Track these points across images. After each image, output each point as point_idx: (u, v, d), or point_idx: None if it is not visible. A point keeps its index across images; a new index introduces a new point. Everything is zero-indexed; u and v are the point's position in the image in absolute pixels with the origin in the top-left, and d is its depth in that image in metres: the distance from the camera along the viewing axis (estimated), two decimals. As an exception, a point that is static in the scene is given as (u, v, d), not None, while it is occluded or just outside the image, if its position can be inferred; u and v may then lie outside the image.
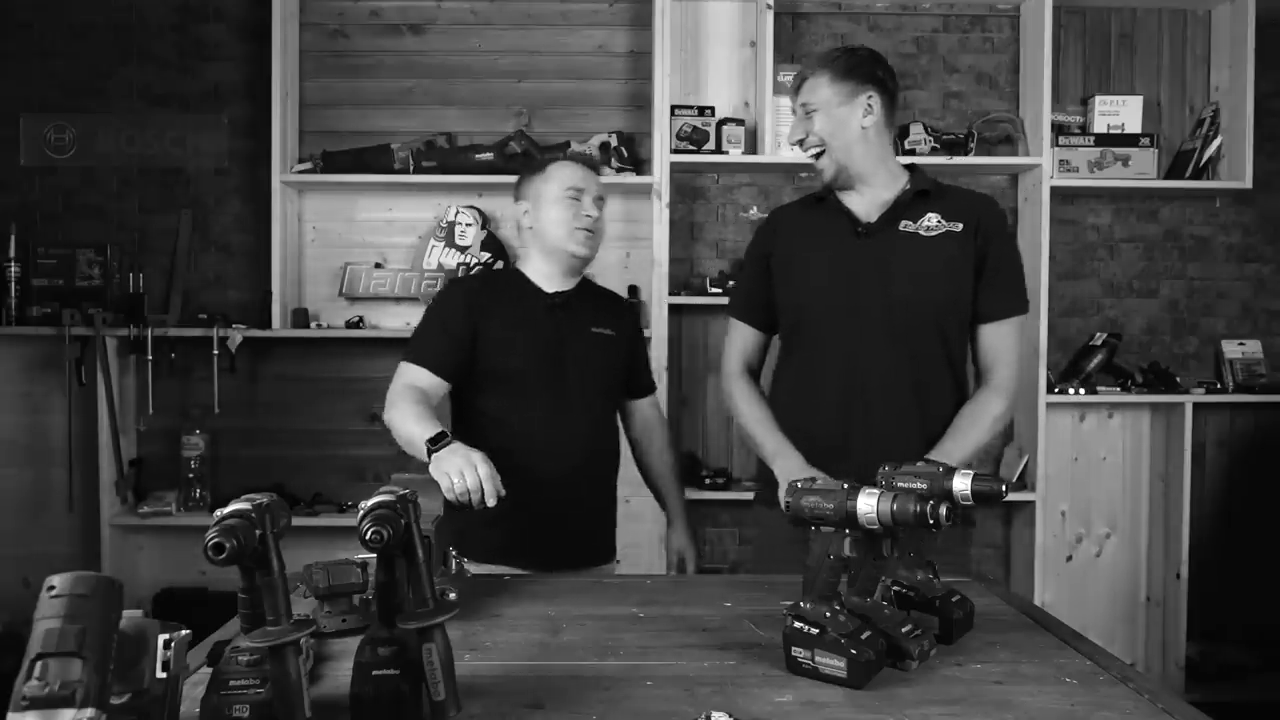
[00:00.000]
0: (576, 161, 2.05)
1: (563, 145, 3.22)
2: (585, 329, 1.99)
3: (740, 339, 1.99)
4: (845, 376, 1.81)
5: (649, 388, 2.18)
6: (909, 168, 1.89)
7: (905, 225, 1.81)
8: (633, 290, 3.29)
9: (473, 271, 2.16)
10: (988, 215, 1.83)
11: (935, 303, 1.79)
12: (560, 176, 1.97)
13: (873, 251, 1.81)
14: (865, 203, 1.85)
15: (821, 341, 1.85)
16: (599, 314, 2.04)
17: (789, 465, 1.78)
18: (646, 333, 3.16)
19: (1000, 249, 1.82)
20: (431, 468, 1.63)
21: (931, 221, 1.81)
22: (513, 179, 2.46)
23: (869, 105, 1.81)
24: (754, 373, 2.00)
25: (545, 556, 1.86)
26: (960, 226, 1.80)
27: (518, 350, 1.92)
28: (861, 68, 1.81)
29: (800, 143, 1.86)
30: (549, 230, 1.96)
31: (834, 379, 1.82)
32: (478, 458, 1.58)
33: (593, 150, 3.21)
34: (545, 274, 2.01)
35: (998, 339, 1.82)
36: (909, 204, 1.82)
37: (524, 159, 3.19)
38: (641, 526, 3.22)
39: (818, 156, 1.85)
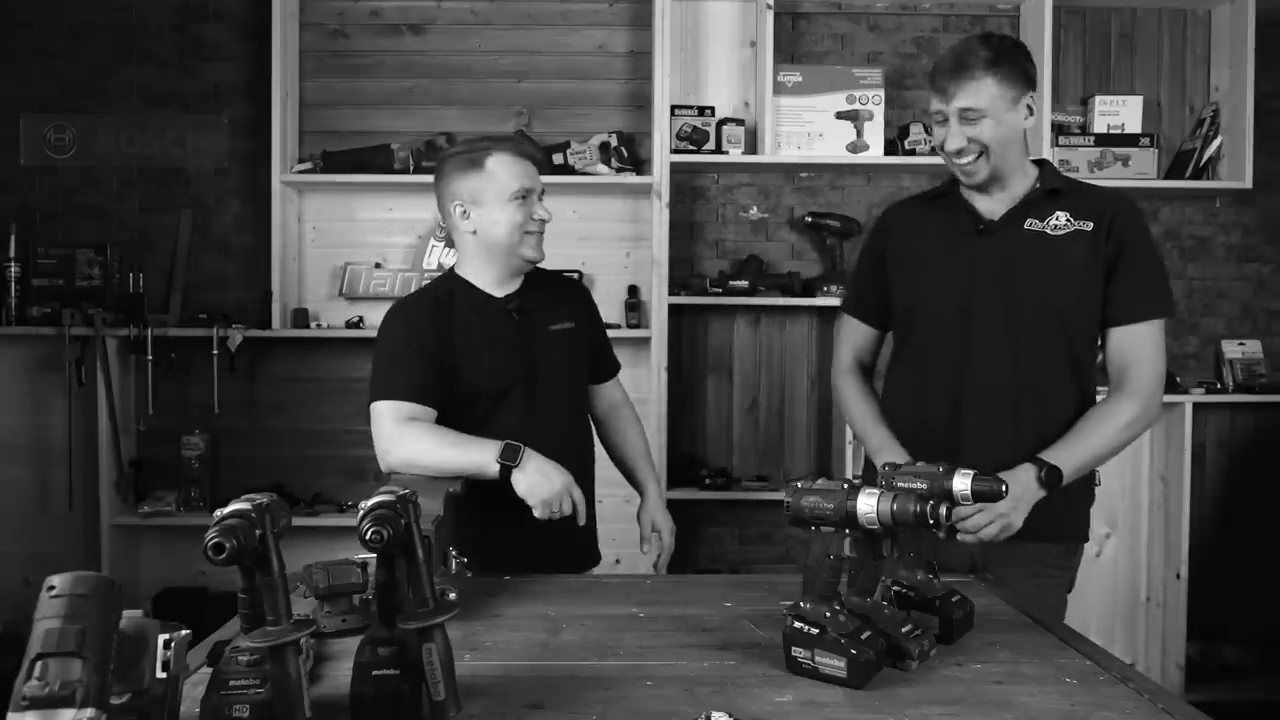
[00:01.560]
0: (517, 154, 1.84)
1: (563, 145, 3.22)
2: (545, 329, 1.88)
3: (851, 335, 1.97)
4: (956, 376, 1.75)
5: (613, 370, 2.10)
6: (1038, 164, 1.81)
7: (1031, 224, 1.74)
8: (633, 290, 3.29)
9: (413, 292, 2.02)
10: (1121, 213, 1.73)
11: (1058, 303, 1.71)
12: (506, 175, 1.80)
13: (993, 250, 1.74)
14: (992, 200, 1.78)
15: (935, 340, 1.80)
16: (555, 308, 1.91)
17: (891, 460, 1.76)
18: (645, 332, 3.17)
19: (1135, 248, 1.71)
20: (523, 491, 1.64)
21: (1060, 220, 1.73)
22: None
23: (1029, 107, 1.72)
24: (865, 369, 1.97)
25: (537, 568, 1.71)
26: (1090, 225, 1.71)
27: (486, 366, 1.81)
28: (1022, 67, 1.71)
29: (959, 152, 1.73)
30: (498, 235, 1.81)
31: (946, 378, 1.77)
32: (570, 482, 1.67)
33: (592, 151, 3.21)
34: (492, 279, 1.87)
35: (1130, 343, 1.71)
36: (1037, 202, 1.75)
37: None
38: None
39: (971, 161, 1.73)
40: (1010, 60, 1.70)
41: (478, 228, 1.82)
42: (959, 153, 1.73)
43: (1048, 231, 1.73)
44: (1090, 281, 1.71)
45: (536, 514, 1.65)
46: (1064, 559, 1.79)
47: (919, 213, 1.90)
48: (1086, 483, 1.78)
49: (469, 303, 1.85)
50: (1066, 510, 1.73)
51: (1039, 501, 1.64)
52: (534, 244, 1.84)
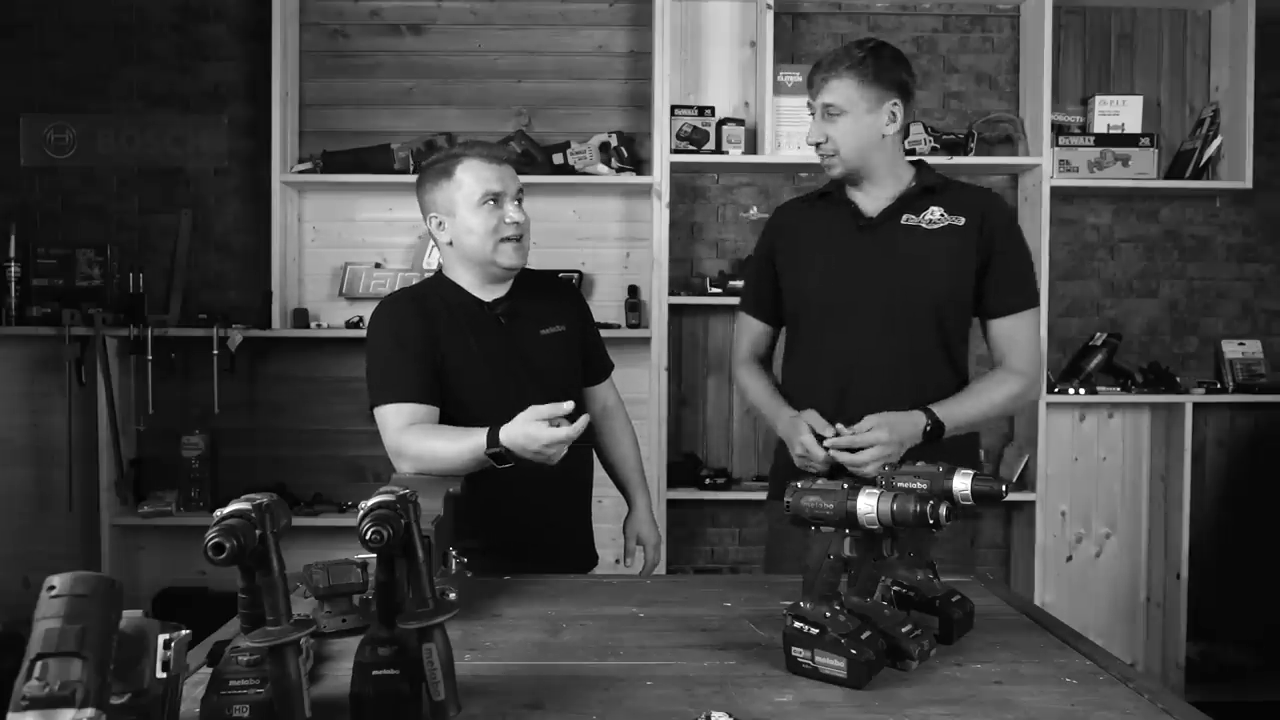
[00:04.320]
0: (485, 158, 1.79)
1: (563, 145, 3.23)
2: (535, 334, 1.84)
3: (748, 332, 2.03)
4: (840, 368, 1.83)
5: (606, 371, 2.05)
6: (916, 163, 1.89)
7: (908, 218, 1.82)
8: (633, 290, 3.29)
9: (399, 289, 1.94)
10: (991, 210, 1.83)
11: (933, 294, 1.80)
12: (472, 180, 1.76)
13: (874, 244, 1.82)
14: (871, 197, 1.85)
15: (820, 334, 1.87)
16: (545, 311, 1.88)
17: (783, 416, 1.84)
18: (645, 332, 3.17)
19: (1006, 244, 1.82)
20: (527, 454, 1.57)
21: (934, 215, 1.81)
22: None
23: (893, 113, 1.79)
24: (763, 363, 2.03)
25: (529, 572, 1.71)
26: (963, 220, 1.81)
27: (476, 371, 1.77)
28: (888, 73, 1.77)
29: (817, 145, 1.82)
30: (471, 244, 1.77)
31: (830, 370, 1.84)
32: (536, 432, 1.53)
33: (592, 151, 3.21)
34: (478, 284, 1.83)
35: (1009, 333, 1.83)
36: (913, 198, 1.83)
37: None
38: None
39: (829, 156, 1.82)
40: (876, 65, 1.77)
41: (453, 238, 1.80)
42: (818, 147, 1.82)
43: (923, 225, 1.82)
44: (963, 273, 1.81)
45: (552, 462, 1.58)
46: (952, 540, 1.80)
47: (805, 212, 1.97)
48: (971, 452, 1.89)
49: (459, 306, 1.82)
50: None
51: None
52: (510, 251, 1.78)
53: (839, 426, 1.72)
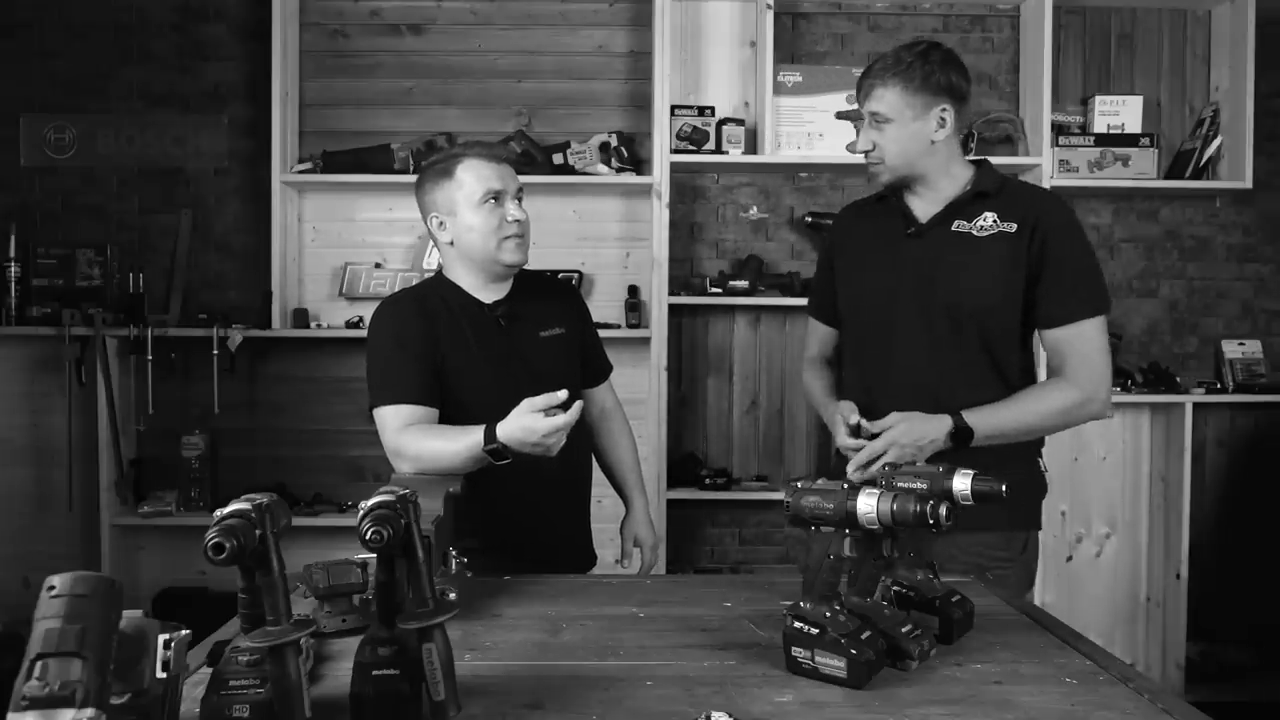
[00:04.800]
0: (485, 157, 1.81)
1: (563, 145, 3.23)
2: (535, 336, 1.85)
3: (815, 334, 2.05)
4: (879, 374, 1.80)
5: (605, 372, 2.06)
6: (978, 163, 1.83)
7: (959, 225, 1.75)
8: (633, 290, 3.29)
9: (400, 289, 1.92)
10: (1045, 215, 1.73)
11: (976, 303, 1.73)
12: (473, 179, 1.77)
13: (921, 252, 1.77)
14: (925, 201, 1.80)
15: (864, 338, 1.86)
16: (544, 313, 1.88)
17: (829, 409, 1.84)
18: (645, 332, 3.17)
19: (1061, 250, 1.71)
20: (524, 449, 1.57)
21: (986, 221, 1.74)
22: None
23: (942, 119, 1.73)
24: (830, 364, 2.03)
25: (529, 572, 1.70)
26: (1014, 227, 1.72)
27: (475, 374, 1.78)
28: (936, 78, 1.71)
29: (865, 153, 1.79)
30: (473, 242, 1.78)
31: (871, 375, 1.82)
32: (533, 424, 1.53)
33: (592, 151, 3.21)
34: (478, 284, 1.84)
35: (1064, 342, 1.71)
36: (966, 203, 1.76)
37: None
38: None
39: (875, 164, 1.78)
40: (923, 70, 1.71)
41: (454, 237, 1.80)
42: (866, 155, 1.78)
43: (974, 233, 1.75)
44: (1011, 283, 1.72)
45: (552, 453, 1.58)
46: (1006, 548, 1.77)
47: (861, 217, 1.95)
48: (1030, 469, 1.81)
49: (459, 307, 1.82)
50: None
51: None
52: (512, 248, 1.79)
53: (862, 421, 1.70)
